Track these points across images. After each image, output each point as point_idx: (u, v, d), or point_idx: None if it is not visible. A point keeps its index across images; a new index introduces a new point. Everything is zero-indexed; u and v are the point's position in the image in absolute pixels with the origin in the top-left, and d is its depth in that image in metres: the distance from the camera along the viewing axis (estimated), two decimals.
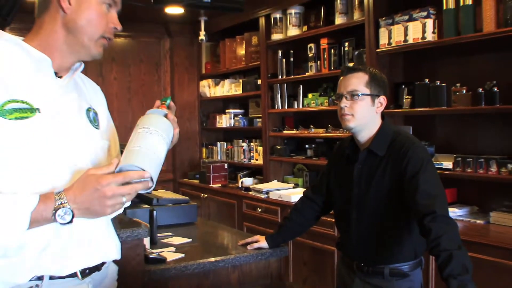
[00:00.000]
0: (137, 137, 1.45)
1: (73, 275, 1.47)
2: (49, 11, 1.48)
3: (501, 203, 3.59)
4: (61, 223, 1.34)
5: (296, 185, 5.27)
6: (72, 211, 1.34)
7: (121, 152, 1.58)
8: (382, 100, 2.30)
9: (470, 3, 3.53)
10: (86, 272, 1.50)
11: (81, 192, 1.35)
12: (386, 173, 2.22)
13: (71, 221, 1.34)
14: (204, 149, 6.76)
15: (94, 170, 1.40)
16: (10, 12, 2.60)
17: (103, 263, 1.58)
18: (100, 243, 1.56)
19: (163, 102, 1.58)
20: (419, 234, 2.06)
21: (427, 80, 3.90)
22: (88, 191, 1.35)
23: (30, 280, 1.40)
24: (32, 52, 1.47)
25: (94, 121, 1.62)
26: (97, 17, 1.48)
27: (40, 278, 1.41)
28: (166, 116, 1.54)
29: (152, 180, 1.41)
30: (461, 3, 3.57)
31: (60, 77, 1.53)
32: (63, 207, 1.33)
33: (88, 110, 1.61)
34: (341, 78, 2.34)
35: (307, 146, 5.22)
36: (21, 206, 1.30)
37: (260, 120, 5.69)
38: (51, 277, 1.43)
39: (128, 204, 1.57)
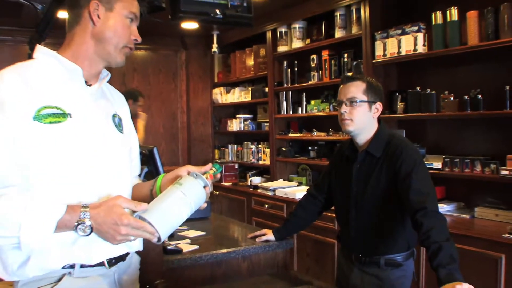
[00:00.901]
0: (172, 199, 1.45)
1: (101, 264, 1.49)
2: (80, 25, 1.51)
3: (484, 199, 3.62)
4: (80, 235, 1.36)
5: (300, 184, 5.26)
6: (91, 227, 1.36)
7: (141, 154, 1.61)
8: (378, 106, 2.30)
9: (456, 19, 3.58)
10: (112, 262, 1.52)
11: (104, 217, 1.36)
12: (382, 172, 2.21)
13: (89, 235, 1.36)
14: (216, 151, 6.77)
15: (123, 201, 1.40)
16: (45, 28, 2.63)
17: (127, 254, 1.59)
18: None
19: (212, 169, 1.54)
20: (412, 227, 2.06)
21: (418, 88, 3.92)
22: (108, 220, 1.35)
23: (63, 268, 1.42)
24: (65, 63, 1.49)
25: (119, 126, 1.63)
26: (122, 29, 1.51)
27: (72, 266, 1.43)
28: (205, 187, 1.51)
29: (159, 239, 1.42)
30: (448, 19, 3.61)
31: (89, 85, 1.54)
32: (84, 222, 1.34)
33: (114, 116, 1.62)
34: (341, 86, 2.34)
35: (310, 148, 5.21)
36: (49, 214, 1.31)
37: (267, 124, 5.70)
38: (82, 266, 1.45)
39: None
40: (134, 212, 1.40)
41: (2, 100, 1.35)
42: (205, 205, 1.53)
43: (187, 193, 1.46)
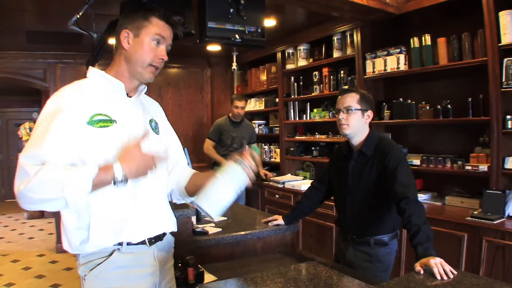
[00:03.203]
0: (216, 184, 1.48)
1: (143, 242, 1.50)
2: (118, 50, 1.54)
3: (453, 189, 3.64)
4: (119, 185, 1.38)
5: (305, 178, 5.26)
6: (126, 178, 1.38)
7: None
8: (370, 113, 2.30)
9: (429, 43, 3.66)
10: (152, 241, 1.53)
11: (136, 168, 1.39)
12: (372, 168, 2.21)
13: (126, 182, 1.39)
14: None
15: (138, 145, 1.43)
16: (99, 52, 2.67)
17: (164, 234, 1.60)
18: (162, 219, 1.59)
19: (254, 152, 1.53)
20: (396, 213, 2.05)
21: (401, 99, 3.94)
22: (141, 169, 1.41)
23: (114, 245, 1.45)
24: (110, 79, 1.52)
25: (155, 128, 1.64)
26: (146, 51, 1.50)
27: (121, 243, 1.45)
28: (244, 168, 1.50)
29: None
30: (423, 44, 3.69)
31: (130, 96, 1.57)
32: (118, 177, 1.37)
33: (151, 120, 1.64)
34: (339, 97, 2.34)
35: (313, 148, 5.20)
36: (85, 174, 1.32)
37: (278, 128, 5.70)
38: (128, 243, 1.47)
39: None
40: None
41: (64, 107, 1.38)
42: (250, 183, 1.51)
43: (229, 177, 1.47)
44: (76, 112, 1.39)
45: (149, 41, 1.50)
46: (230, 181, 1.48)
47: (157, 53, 1.51)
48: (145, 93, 1.67)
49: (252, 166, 1.50)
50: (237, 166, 1.49)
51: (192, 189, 1.66)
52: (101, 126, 1.42)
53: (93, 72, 1.54)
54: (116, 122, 1.46)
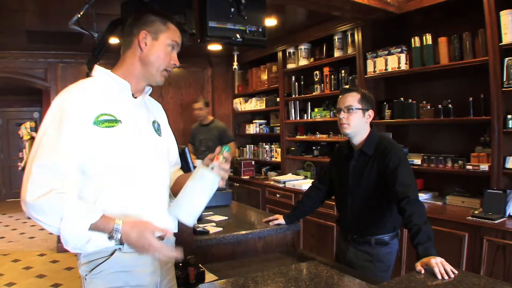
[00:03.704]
0: (191, 191, 1.47)
1: None
2: (131, 49, 1.54)
3: (454, 189, 3.64)
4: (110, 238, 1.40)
5: (305, 177, 5.25)
6: (121, 241, 1.41)
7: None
8: (371, 113, 2.29)
9: (430, 43, 3.64)
10: None
11: (134, 241, 1.40)
12: (373, 168, 2.21)
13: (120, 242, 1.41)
14: (236, 150, 6.80)
15: (153, 227, 1.42)
16: (100, 52, 2.67)
17: None
18: (163, 220, 1.58)
19: (224, 151, 1.49)
20: (397, 213, 2.05)
21: (402, 99, 3.93)
22: (139, 244, 1.40)
23: (115, 244, 1.44)
24: (117, 79, 1.52)
25: (158, 130, 1.65)
26: (164, 55, 1.52)
27: (122, 243, 1.44)
28: (212, 169, 1.47)
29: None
30: (424, 43, 3.68)
31: (135, 97, 1.57)
32: (115, 236, 1.39)
33: (154, 122, 1.64)
34: (340, 96, 2.34)
35: (314, 147, 5.20)
36: (86, 217, 1.35)
37: (279, 128, 5.70)
38: None
39: None
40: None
41: (71, 108, 1.38)
42: (222, 182, 1.50)
43: (199, 183, 1.46)
44: (83, 113, 1.39)
45: (166, 46, 1.52)
46: (201, 187, 1.47)
47: (172, 58, 1.54)
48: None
49: (223, 166, 1.48)
50: (206, 170, 1.47)
51: (173, 189, 1.67)
52: (106, 126, 1.42)
53: (99, 71, 1.54)
54: (121, 122, 1.46)
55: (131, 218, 1.42)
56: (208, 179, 1.47)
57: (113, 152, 1.42)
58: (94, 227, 1.36)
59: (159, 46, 1.52)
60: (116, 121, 1.45)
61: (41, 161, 1.33)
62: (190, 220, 1.47)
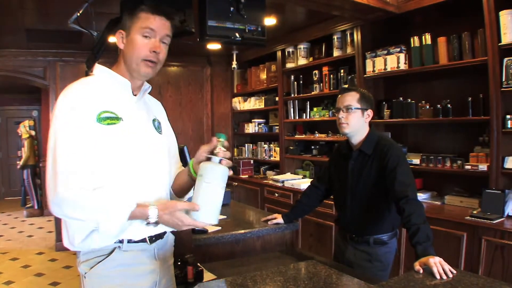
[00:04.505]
0: (203, 191, 1.39)
1: (143, 240, 1.51)
2: (119, 49, 1.55)
3: (452, 189, 3.64)
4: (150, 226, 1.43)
5: (304, 176, 5.26)
6: (157, 222, 1.42)
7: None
8: (370, 112, 2.30)
9: (430, 43, 3.64)
10: (152, 239, 1.54)
11: (167, 220, 1.42)
12: (372, 167, 2.21)
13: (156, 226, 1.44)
14: (235, 149, 6.79)
15: (181, 205, 1.42)
16: (99, 50, 2.67)
17: (164, 233, 1.61)
18: None
19: (219, 140, 1.44)
20: (396, 212, 2.06)
21: (401, 98, 3.93)
22: (171, 222, 1.42)
23: (115, 242, 1.45)
24: (116, 77, 1.53)
25: (158, 128, 1.65)
26: (137, 47, 1.49)
27: (121, 241, 1.46)
28: (220, 161, 1.42)
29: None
30: (424, 43, 3.68)
31: (135, 95, 1.57)
32: (151, 220, 1.41)
33: (154, 120, 1.64)
34: (339, 96, 2.34)
35: (312, 147, 5.20)
36: (124, 210, 1.38)
37: (278, 127, 5.69)
38: (129, 241, 1.48)
39: None
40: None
41: (74, 106, 1.39)
42: (231, 172, 1.45)
43: (210, 179, 1.39)
44: (87, 111, 1.40)
45: (138, 37, 1.49)
46: (216, 183, 1.40)
47: (149, 47, 1.49)
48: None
49: (226, 155, 1.44)
50: (215, 165, 1.41)
51: (174, 188, 1.67)
52: (108, 124, 1.43)
53: (100, 69, 1.55)
54: (122, 120, 1.47)
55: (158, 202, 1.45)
56: (217, 172, 1.40)
57: (114, 149, 1.42)
58: (132, 216, 1.39)
59: (132, 42, 1.49)
60: (117, 118, 1.46)
61: (63, 159, 1.33)
62: (215, 220, 1.43)
